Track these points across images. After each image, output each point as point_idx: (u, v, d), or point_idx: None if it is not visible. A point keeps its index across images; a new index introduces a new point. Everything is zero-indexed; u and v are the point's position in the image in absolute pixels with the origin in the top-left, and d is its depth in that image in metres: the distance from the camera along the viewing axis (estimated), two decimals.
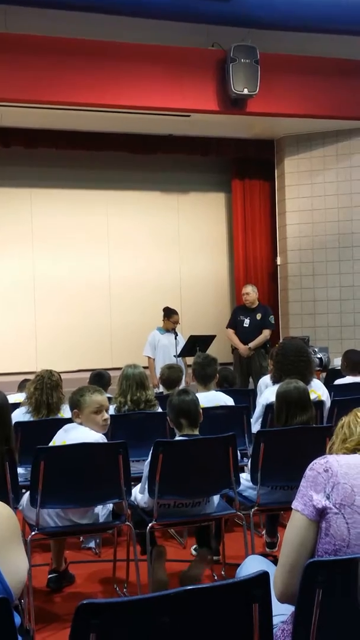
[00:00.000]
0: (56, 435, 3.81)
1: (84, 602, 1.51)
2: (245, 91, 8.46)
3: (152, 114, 8.75)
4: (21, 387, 5.95)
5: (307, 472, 1.96)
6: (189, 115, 8.93)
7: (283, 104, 8.97)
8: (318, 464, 1.95)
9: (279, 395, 3.97)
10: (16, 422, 4.56)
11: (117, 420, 4.58)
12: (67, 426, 3.81)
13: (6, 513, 1.61)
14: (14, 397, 5.51)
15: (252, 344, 8.37)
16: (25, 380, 5.75)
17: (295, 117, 9.19)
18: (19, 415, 4.63)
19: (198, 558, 3.92)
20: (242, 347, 8.42)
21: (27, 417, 4.63)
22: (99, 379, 5.98)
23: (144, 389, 4.88)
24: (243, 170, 10.67)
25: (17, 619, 1.57)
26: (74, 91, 8.07)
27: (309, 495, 1.91)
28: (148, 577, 3.71)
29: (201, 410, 3.80)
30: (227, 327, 8.73)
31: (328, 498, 1.88)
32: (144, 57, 8.32)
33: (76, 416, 3.78)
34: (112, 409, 4.81)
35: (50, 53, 7.93)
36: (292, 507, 1.95)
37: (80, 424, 3.76)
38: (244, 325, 8.52)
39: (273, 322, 8.67)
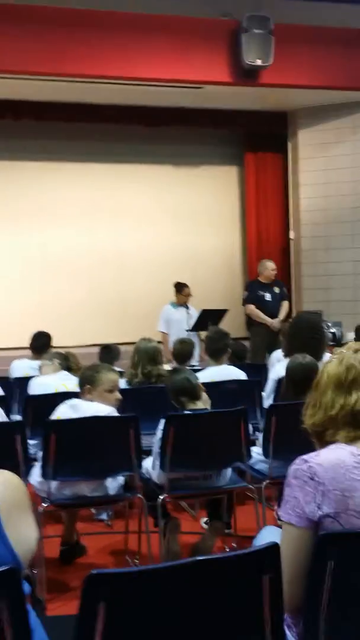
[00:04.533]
0: (59, 410, 3.73)
1: (94, 572, 1.50)
2: (258, 62, 8.33)
3: (163, 86, 8.65)
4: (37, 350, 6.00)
5: (291, 480, 1.87)
6: (200, 87, 8.81)
7: (297, 75, 8.81)
8: (301, 471, 1.86)
9: (286, 372, 3.95)
10: (27, 396, 4.59)
11: (128, 393, 4.57)
12: (72, 402, 3.75)
13: (15, 482, 1.61)
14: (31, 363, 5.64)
15: (281, 316, 8.41)
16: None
17: (310, 88, 9.04)
18: None
19: (210, 530, 3.93)
20: (272, 321, 8.40)
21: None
22: (108, 352, 5.99)
23: (156, 364, 4.87)
24: (256, 143, 10.54)
25: (27, 588, 1.57)
26: (82, 63, 7.98)
27: (300, 506, 1.83)
28: (161, 548, 3.73)
29: (199, 383, 3.80)
30: (246, 303, 8.68)
31: (320, 508, 1.81)
32: (155, 27, 8.20)
33: (88, 392, 3.76)
34: (123, 382, 4.81)
35: (57, 24, 7.83)
36: (283, 519, 1.87)
37: (90, 400, 3.75)
38: (267, 299, 8.55)
39: (287, 293, 8.75)
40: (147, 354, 4.87)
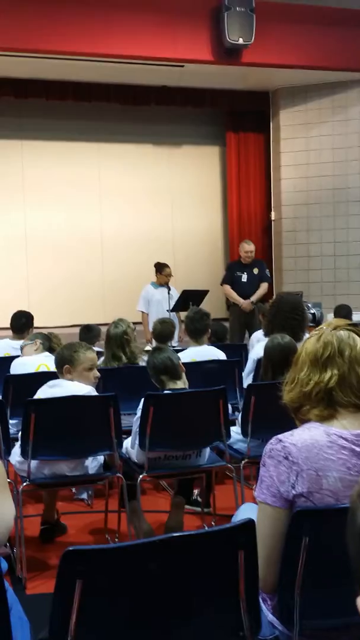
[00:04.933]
0: (39, 391, 3.77)
1: (70, 548, 1.52)
2: (240, 41, 8.28)
3: (145, 64, 8.57)
4: (18, 330, 5.95)
5: (266, 459, 1.89)
6: (182, 66, 8.75)
7: (279, 55, 8.78)
8: (275, 450, 1.88)
9: (264, 352, 3.96)
10: (7, 375, 4.59)
11: (109, 373, 4.58)
12: (51, 382, 3.77)
13: None
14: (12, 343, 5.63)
15: (254, 298, 8.39)
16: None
17: (291, 68, 9.01)
18: None
19: (173, 507, 3.96)
20: (243, 302, 8.42)
21: None
22: (88, 332, 5.97)
23: (123, 350, 4.81)
24: (238, 122, 10.50)
25: (4, 565, 1.58)
26: (64, 40, 7.88)
27: (275, 486, 1.85)
28: (128, 528, 3.77)
29: (181, 363, 3.79)
30: (223, 284, 8.70)
31: (294, 487, 1.83)
32: (137, 4, 8.11)
33: (67, 372, 3.76)
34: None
35: (40, 0, 7.72)
36: (259, 499, 1.90)
37: (71, 379, 3.75)
38: (243, 280, 8.53)
39: (269, 275, 8.68)
40: (111, 346, 4.83)
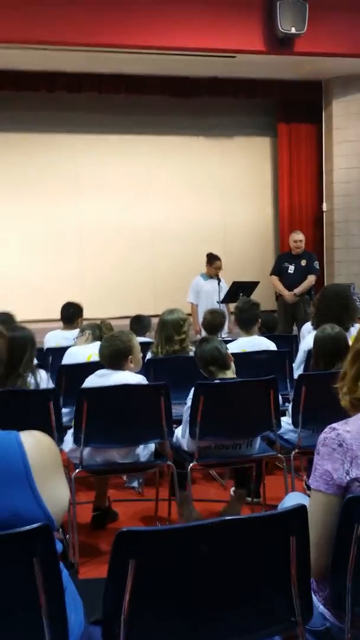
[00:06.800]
0: (87, 380, 3.78)
1: (124, 529, 1.54)
2: (293, 30, 8.21)
3: (196, 55, 8.56)
4: (68, 320, 6.02)
5: (320, 448, 1.89)
6: (234, 56, 8.70)
7: (332, 44, 8.66)
8: (329, 439, 1.87)
9: (314, 343, 3.93)
10: (60, 365, 4.66)
11: (159, 363, 4.61)
12: (99, 372, 3.81)
13: (47, 443, 1.64)
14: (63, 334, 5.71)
15: (297, 290, 8.32)
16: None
17: (344, 56, 8.88)
18: None
19: (235, 498, 3.97)
20: (287, 294, 8.37)
21: None
22: (138, 322, 6.01)
23: (172, 343, 4.79)
24: (289, 113, 10.41)
25: (59, 546, 1.61)
26: (116, 33, 7.92)
27: (329, 473, 1.85)
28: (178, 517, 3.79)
29: (229, 352, 3.79)
30: (271, 274, 8.66)
31: (348, 474, 1.83)
32: None
33: (130, 362, 3.79)
34: (149, 354, 4.81)
35: None
36: (312, 487, 1.89)
37: (131, 369, 3.79)
38: (289, 271, 8.46)
39: (318, 267, 8.56)
40: (165, 334, 4.80)
